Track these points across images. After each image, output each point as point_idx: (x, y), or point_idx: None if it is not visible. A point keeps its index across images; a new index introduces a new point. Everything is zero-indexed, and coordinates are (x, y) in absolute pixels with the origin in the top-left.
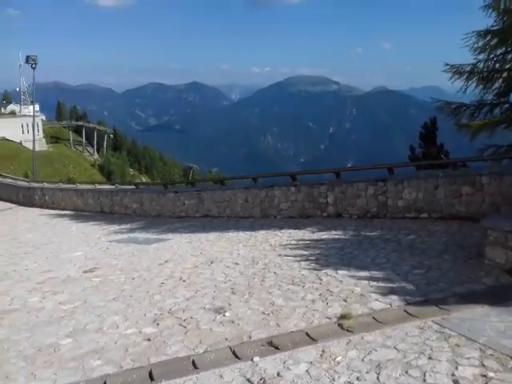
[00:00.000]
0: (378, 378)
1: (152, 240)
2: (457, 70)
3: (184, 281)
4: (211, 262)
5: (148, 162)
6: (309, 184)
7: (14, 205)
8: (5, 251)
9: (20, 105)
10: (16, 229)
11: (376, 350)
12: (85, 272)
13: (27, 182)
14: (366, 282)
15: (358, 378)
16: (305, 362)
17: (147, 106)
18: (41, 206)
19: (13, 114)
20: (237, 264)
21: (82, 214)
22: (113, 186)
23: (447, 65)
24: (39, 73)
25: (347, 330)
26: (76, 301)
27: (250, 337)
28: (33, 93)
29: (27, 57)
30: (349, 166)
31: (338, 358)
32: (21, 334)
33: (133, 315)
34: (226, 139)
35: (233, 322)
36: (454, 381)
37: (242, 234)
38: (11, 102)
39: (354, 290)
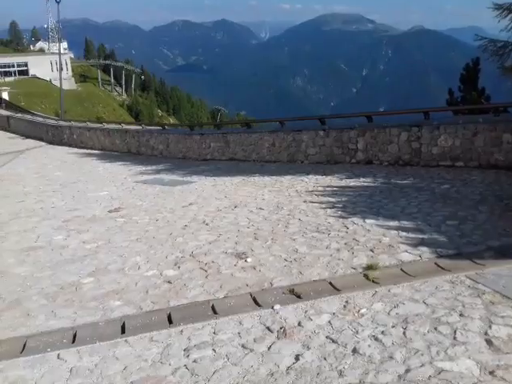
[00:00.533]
0: (404, 334)
1: (177, 182)
2: (507, 8)
3: (207, 224)
4: (235, 207)
5: (176, 104)
6: (338, 128)
7: (43, 143)
8: (34, 188)
9: (48, 42)
10: (45, 167)
11: (403, 304)
12: (110, 212)
13: (56, 120)
14: (395, 232)
15: (382, 332)
16: (327, 312)
17: (175, 44)
18: (69, 145)
19: (42, 51)
20: (261, 209)
21: (109, 153)
22: (139, 127)
23: (496, 5)
24: (67, 10)
25: (373, 282)
26: (99, 240)
27: (271, 284)
28: (58, 29)
29: None
30: (381, 110)
31: (363, 310)
32: (44, 272)
33: (155, 257)
34: (254, 80)
35: (254, 268)
36: (486, 340)
37: (267, 179)
38: (40, 39)
39: (381, 239)
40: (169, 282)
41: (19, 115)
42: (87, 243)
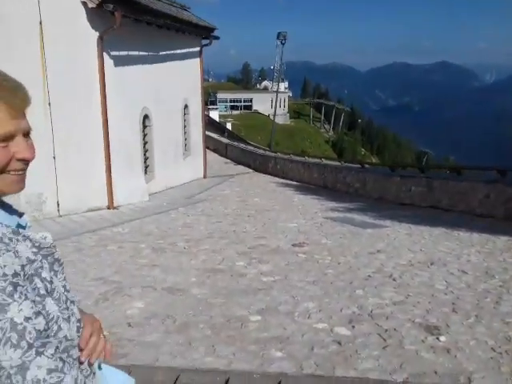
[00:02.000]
0: None
1: (368, 224)
2: None
3: (394, 280)
4: (431, 263)
5: (380, 143)
6: None
7: (250, 170)
8: (232, 211)
9: (272, 81)
10: (247, 192)
11: None
12: (293, 245)
13: (264, 150)
14: None
15: None
16: None
17: (388, 86)
18: (272, 174)
19: (265, 89)
20: (464, 273)
21: (306, 186)
22: (338, 163)
23: None
24: (291, 53)
25: None
26: (277, 274)
27: (469, 379)
28: (280, 69)
29: (278, 33)
30: None
31: None
32: (217, 298)
33: (328, 307)
34: (469, 125)
35: (448, 351)
36: None
37: (475, 236)
38: (265, 79)
39: None
40: (338, 343)
41: (235, 143)
42: (264, 275)
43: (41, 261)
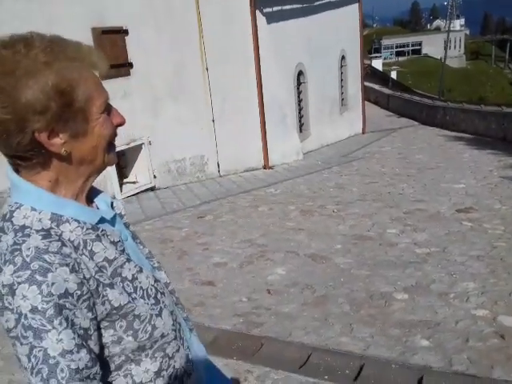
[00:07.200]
0: None
1: None
2: None
3: None
4: None
5: None
6: None
7: (416, 122)
8: (390, 170)
9: (446, 20)
10: (409, 148)
11: None
12: (458, 211)
13: (432, 100)
14: None
15: None
16: None
17: None
18: (441, 126)
19: (437, 29)
20: None
21: (480, 139)
22: None
23: None
24: None
25: None
26: (433, 246)
27: None
28: (454, 3)
29: None
30: None
31: None
32: (362, 270)
33: (493, 290)
34: None
35: None
36: None
37: None
38: (438, 18)
39: None
40: (501, 337)
41: (398, 94)
42: (418, 246)
43: (120, 256)
